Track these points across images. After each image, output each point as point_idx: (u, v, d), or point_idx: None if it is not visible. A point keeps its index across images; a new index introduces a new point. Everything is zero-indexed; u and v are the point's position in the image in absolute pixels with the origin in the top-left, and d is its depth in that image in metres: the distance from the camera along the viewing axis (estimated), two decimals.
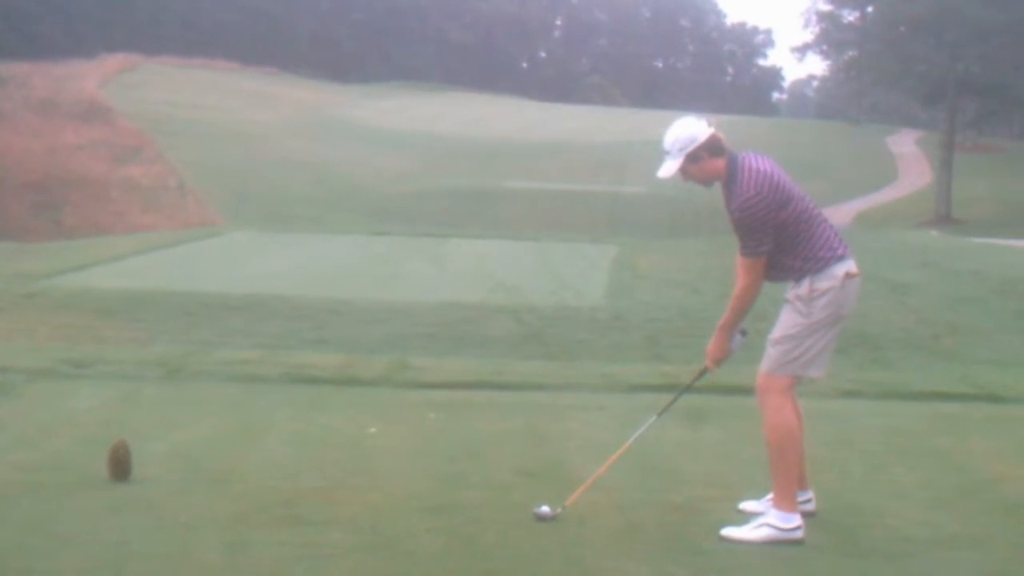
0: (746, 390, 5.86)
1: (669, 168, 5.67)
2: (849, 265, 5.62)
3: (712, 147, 5.60)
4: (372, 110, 77.51)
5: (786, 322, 5.64)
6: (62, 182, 44.98)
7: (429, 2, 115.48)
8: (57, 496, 5.92)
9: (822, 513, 5.80)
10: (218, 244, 27.16)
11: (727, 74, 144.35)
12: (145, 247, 25.51)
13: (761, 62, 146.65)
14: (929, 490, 6.39)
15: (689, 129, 5.63)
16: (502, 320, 15.52)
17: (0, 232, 35.96)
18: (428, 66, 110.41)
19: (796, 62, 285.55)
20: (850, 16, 78.24)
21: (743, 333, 5.83)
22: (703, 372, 6.02)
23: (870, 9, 70.52)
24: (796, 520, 5.48)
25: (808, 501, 5.78)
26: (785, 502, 5.50)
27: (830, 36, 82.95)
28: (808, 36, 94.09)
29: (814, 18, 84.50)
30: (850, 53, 76.90)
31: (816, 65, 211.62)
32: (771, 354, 5.66)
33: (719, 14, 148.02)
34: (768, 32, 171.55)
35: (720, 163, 5.61)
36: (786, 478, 5.56)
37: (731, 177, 5.58)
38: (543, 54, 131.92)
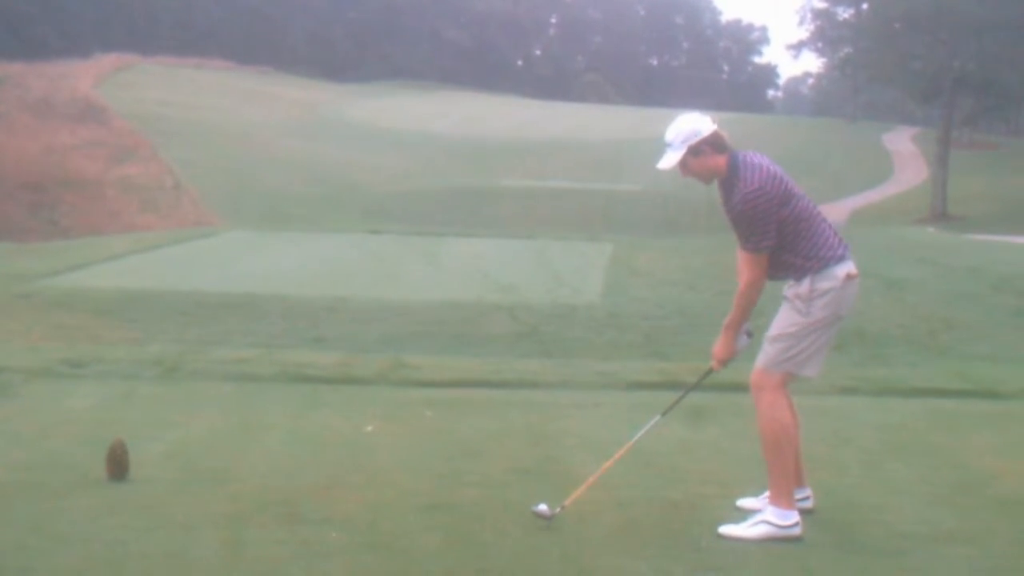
0: (744, 388, 5.86)
1: (670, 159, 5.65)
2: (849, 266, 5.62)
3: (714, 143, 5.60)
4: (367, 109, 77.50)
5: (784, 320, 5.64)
6: (58, 182, 44.91)
7: (424, 1, 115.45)
8: (55, 495, 5.91)
9: (820, 510, 5.80)
10: (214, 243, 27.15)
11: (722, 71, 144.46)
12: (141, 247, 25.50)
13: (756, 59, 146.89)
14: (926, 486, 6.39)
15: (693, 123, 5.62)
16: (499, 318, 15.53)
17: None
18: (423, 65, 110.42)
19: (791, 59, 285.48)
20: (845, 13, 78.33)
21: (749, 335, 5.81)
22: (708, 372, 6.01)
23: (865, 6, 70.55)
24: (794, 517, 5.48)
25: (806, 498, 5.78)
26: (782, 499, 5.51)
27: (825, 33, 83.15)
28: (803, 33, 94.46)
29: (809, 15, 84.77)
30: (845, 50, 77.08)
31: (812, 62, 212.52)
32: (767, 351, 5.66)
33: (714, 11, 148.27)
34: (763, 29, 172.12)
35: (721, 160, 5.60)
36: (782, 475, 5.56)
37: (733, 173, 5.58)
38: (538, 52, 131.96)
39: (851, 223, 44.31)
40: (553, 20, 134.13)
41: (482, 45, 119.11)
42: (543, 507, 5.61)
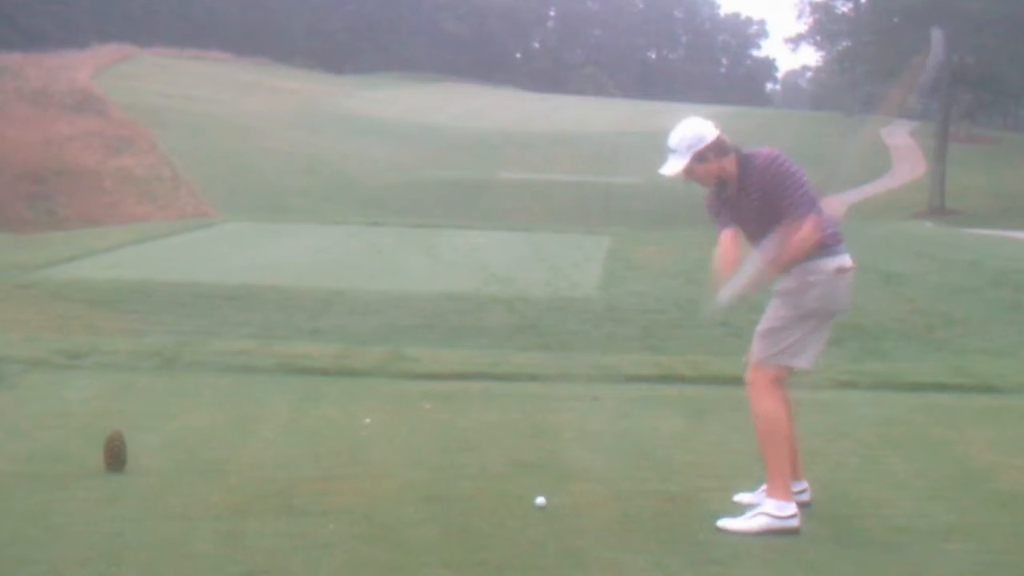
0: (741, 381, 5.85)
1: (674, 166, 5.60)
2: (842, 260, 5.59)
3: (718, 148, 5.57)
4: (366, 101, 77.41)
5: (772, 314, 5.64)
6: (56, 173, 44.90)
7: None
8: (52, 487, 5.90)
9: (817, 504, 5.80)
10: (212, 235, 27.15)
11: (721, 65, 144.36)
12: (139, 238, 25.51)
13: (755, 53, 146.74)
14: (924, 480, 6.40)
15: (696, 129, 5.58)
16: (497, 311, 15.54)
17: None
18: (422, 57, 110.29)
19: (790, 53, 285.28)
20: (843, 7, 78.14)
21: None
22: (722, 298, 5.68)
23: (863, 0, 70.46)
24: (792, 508, 5.48)
25: (803, 492, 5.78)
26: (779, 491, 5.51)
27: (824, 27, 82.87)
28: (802, 27, 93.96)
29: (807, 9, 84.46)
30: (844, 44, 76.87)
31: (810, 56, 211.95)
32: (758, 346, 5.66)
33: (712, 5, 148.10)
34: (762, 23, 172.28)
35: (727, 162, 5.58)
36: (777, 467, 5.56)
37: (746, 161, 5.57)
38: (536, 45, 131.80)
39: (849, 217, 44.30)
40: (552, 13, 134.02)
41: (480, 37, 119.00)
42: (542, 500, 5.63)
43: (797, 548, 5.21)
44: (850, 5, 75.83)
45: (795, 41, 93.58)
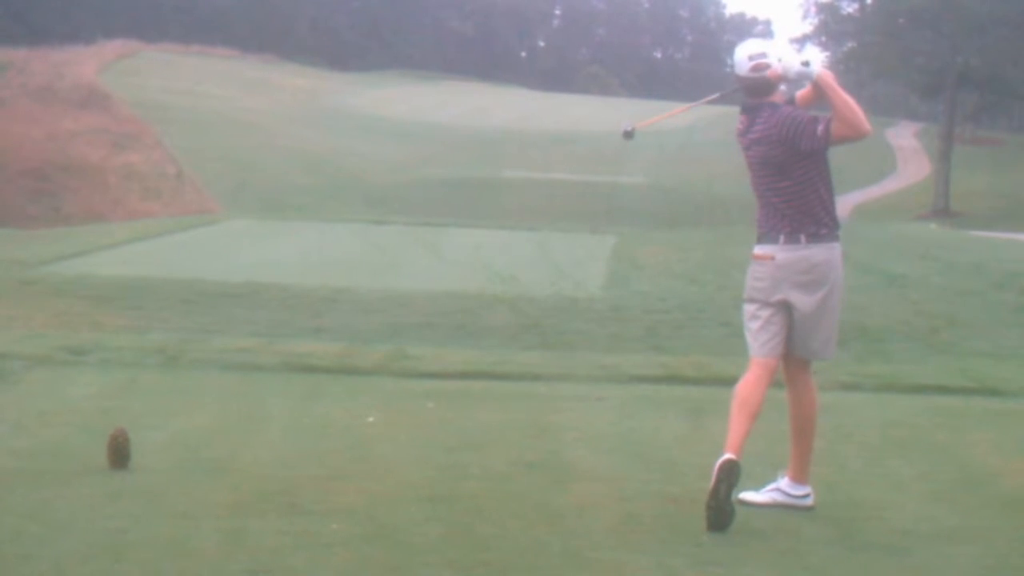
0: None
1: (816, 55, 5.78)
2: (766, 248, 5.66)
3: None
4: (370, 99, 77.33)
5: (834, 305, 5.77)
6: (60, 169, 44.93)
7: None
8: (55, 484, 5.91)
9: (820, 506, 5.80)
10: (216, 232, 27.17)
11: (726, 65, 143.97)
12: (143, 234, 25.53)
13: None
14: (928, 483, 6.39)
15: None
16: (500, 310, 15.53)
17: None
18: (427, 55, 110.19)
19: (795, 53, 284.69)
20: (849, 7, 78.04)
21: (806, 64, 5.62)
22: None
23: (869, 1, 70.41)
24: (807, 489, 5.71)
25: (806, 496, 5.80)
26: (803, 475, 5.78)
27: (829, 27, 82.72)
28: (807, 27, 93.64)
29: (813, 9, 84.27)
30: (849, 45, 76.77)
31: (815, 57, 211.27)
32: (823, 344, 5.81)
33: (718, 4, 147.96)
34: (767, 23, 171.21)
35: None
36: (810, 453, 5.74)
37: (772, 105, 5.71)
38: (542, 44, 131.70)
39: (853, 218, 44.26)
40: (557, 12, 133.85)
41: (486, 36, 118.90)
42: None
43: (799, 550, 5.20)
44: (856, 6, 75.76)
45: (800, 41, 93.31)
